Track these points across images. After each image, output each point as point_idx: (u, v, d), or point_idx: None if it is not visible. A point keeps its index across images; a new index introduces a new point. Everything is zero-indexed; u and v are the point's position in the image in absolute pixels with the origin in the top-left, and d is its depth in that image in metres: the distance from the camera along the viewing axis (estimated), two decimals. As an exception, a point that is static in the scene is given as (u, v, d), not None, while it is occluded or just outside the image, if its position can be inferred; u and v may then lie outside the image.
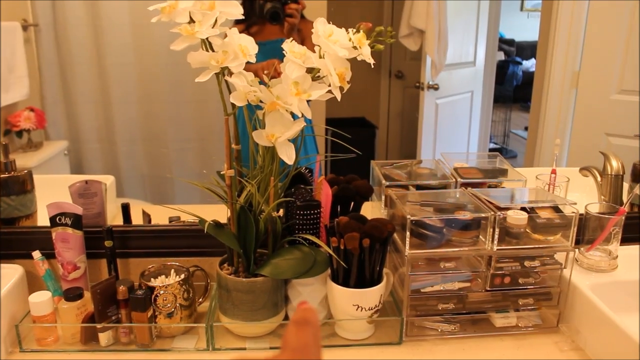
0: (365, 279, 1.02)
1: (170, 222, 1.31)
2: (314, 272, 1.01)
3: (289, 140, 0.97)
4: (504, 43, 5.72)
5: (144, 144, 2.78)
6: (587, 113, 2.52)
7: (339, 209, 1.22)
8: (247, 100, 0.97)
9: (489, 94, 3.70)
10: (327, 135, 1.92)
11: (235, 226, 1.05)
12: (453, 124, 3.50)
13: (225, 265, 1.08)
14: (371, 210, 1.32)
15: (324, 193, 1.06)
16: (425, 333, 1.06)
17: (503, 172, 1.28)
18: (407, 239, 1.01)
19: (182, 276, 1.10)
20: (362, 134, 3.57)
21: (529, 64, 5.69)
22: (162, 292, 1.04)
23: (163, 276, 1.11)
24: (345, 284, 1.02)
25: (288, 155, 0.95)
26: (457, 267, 1.04)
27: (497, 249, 1.03)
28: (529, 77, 5.67)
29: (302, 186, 1.09)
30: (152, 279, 1.09)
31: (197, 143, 2.41)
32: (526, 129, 4.87)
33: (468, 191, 1.13)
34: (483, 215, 1.02)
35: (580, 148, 2.36)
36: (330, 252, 1.00)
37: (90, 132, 2.73)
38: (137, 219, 1.32)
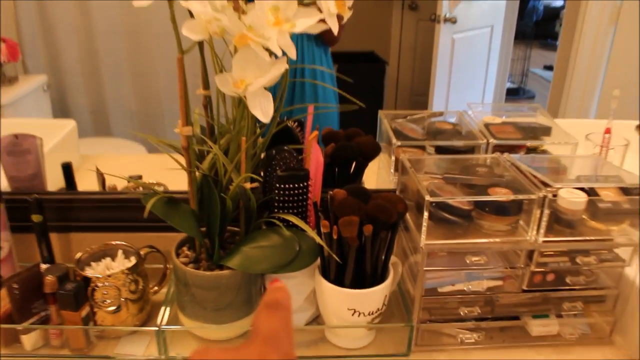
0: (365, 274, 0.75)
1: (129, 182, 1.04)
2: (297, 266, 0.74)
3: (265, 88, 0.68)
4: (526, -28, 5.21)
5: (132, 79, 2.47)
6: (625, 55, 2.16)
7: (336, 172, 0.94)
8: (210, 33, 0.68)
9: (510, 29, 3.31)
10: (333, 70, 1.61)
11: (195, 202, 0.77)
12: (470, 61, 3.14)
13: (185, 249, 0.81)
14: (377, 172, 1.03)
15: (314, 159, 0.77)
16: (441, 342, 0.80)
17: (545, 131, 0.98)
18: (424, 226, 0.73)
19: (130, 261, 0.83)
20: (371, 69, 3.23)
21: (550, -3, 5.19)
22: (100, 284, 0.78)
23: (109, 259, 0.85)
24: (339, 281, 0.75)
25: (263, 109, 0.66)
26: (487, 262, 0.77)
27: (544, 241, 0.75)
28: (550, 12, 5.19)
29: (285, 147, 0.80)
30: (92, 264, 0.83)
31: (191, 79, 2.11)
32: (546, 68, 4.48)
33: (505, 158, 0.84)
34: (528, 196, 0.73)
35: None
36: (320, 240, 0.72)
37: (73, 64, 2.42)
38: (92, 180, 1.05)
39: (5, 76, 2.13)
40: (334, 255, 0.72)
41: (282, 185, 0.74)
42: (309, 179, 0.75)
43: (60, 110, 2.43)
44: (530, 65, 4.33)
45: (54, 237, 0.89)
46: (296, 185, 0.74)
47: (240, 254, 0.75)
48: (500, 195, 0.75)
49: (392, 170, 0.92)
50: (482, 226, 0.76)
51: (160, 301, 0.85)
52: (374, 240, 0.73)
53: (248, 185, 0.75)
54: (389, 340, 0.82)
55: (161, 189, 1.02)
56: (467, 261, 0.76)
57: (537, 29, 4.60)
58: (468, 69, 3.13)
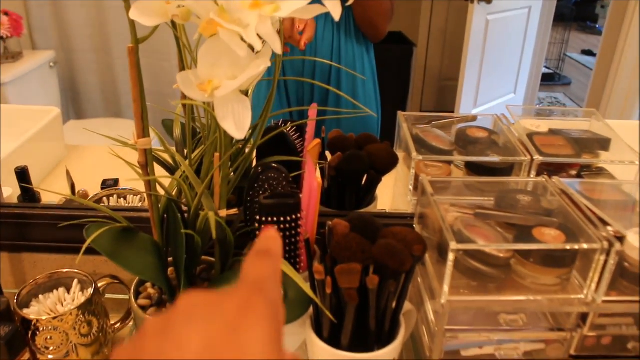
0: (368, 331, 0.58)
1: (103, 188, 0.88)
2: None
3: (241, 91, 0.51)
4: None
5: (144, 55, 2.32)
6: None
7: (343, 188, 0.76)
8: (170, 17, 0.51)
9: (550, 10, 3.03)
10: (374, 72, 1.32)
11: (158, 232, 0.60)
12: (504, 45, 2.88)
13: (148, 286, 0.64)
14: (394, 187, 0.85)
15: (307, 183, 0.59)
16: (463, 414, 0.63)
17: (603, 144, 0.78)
18: (447, 276, 0.55)
19: (85, 295, 0.67)
20: (397, 51, 2.99)
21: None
22: (42, 328, 0.62)
23: (62, 290, 0.69)
24: (334, 340, 0.58)
25: (236, 120, 0.48)
26: (525, 323, 0.59)
27: (605, 301, 0.56)
28: (591, -9, 4.82)
29: (274, 164, 0.62)
30: (40, 297, 0.67)
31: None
32: (584, 52, 4.17)
33: (554, 183, 0.65)
34: (589, 246, 0.54)
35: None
36: (309, 292, 0.55)
37: (83, 40, 2.26)
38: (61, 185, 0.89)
39: (8, 51, 1.99)
40: (328, 313, 0.55)
41: (265, 218, 0.57)
42: (300, 209, 0.57)
43: (70, 88, 2.28)
44: (567, 50, 4.03)
45: (4, 258, 0.74)
46: (282, 219, 0.57)
47: (211, 300, 0.58)
48: (550, 240, 0.56)
49: (410, 188, 0.74)
50: (523, 278, 0.57)
51: (124, 339, 0.69)
52: (380, 291, 0.55)
53: (224, 213, 0.58)
54: (397, 409, 0.64)
55: (137, 198, 0.86)
56: (501, 320, 0.58)
57: (577, 10, 4.27)
58: (502, 53, 2.88)
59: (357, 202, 0.78)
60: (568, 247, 0.54)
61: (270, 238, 0.28)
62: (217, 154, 0.55)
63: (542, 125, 0.81)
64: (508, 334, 0.59)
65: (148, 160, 0.57)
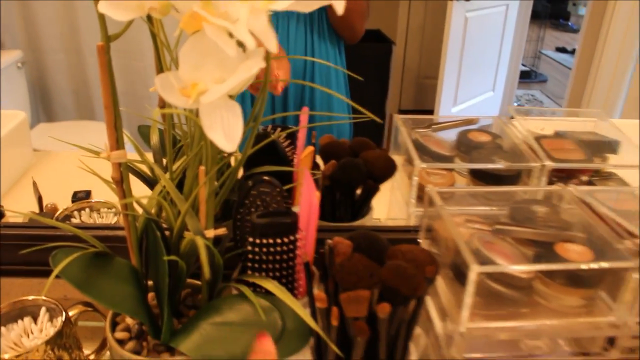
0: (376, 362, 0.51)
1: (74, 201, 0.79)
2: (281, 353, 0.50)
3: (230, 97, 0.44)
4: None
5: (116, 55, 2.21)
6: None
7: (337, 197, 0.70)
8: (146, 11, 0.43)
9: (527, 7, 3.01)
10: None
11: (135, 256, 0.52)
12: (483, 42, 2.84)
13: (126, 319, 0.56)
14: (390, 192, 0.79)
15: (306, 199, 0.52)
16: None
17: (612, 146, 0.72)
18: (467, 301, 0.48)
19: (54, 326, 0.59)
20: (376, 49, 2.93)
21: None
22: (2, 367, 0.54)
23: (28, 319, 0.61)
24: (340, 375, 0.51)
25: (226, 131, 0.41)
26: (548, 349, 0.53)
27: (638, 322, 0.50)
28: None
29: (265, 177, 0.54)
30: (1, 329, 0.59)
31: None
32: (558, 49, 4.18)
33: (573, 192, 0.59)
34: (623, 264, 0.48)
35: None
36: (311, 322, 0.48)
37: (53, 40, 2.14)
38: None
39: (-29, 51, 1.87)
40: (335, 348, 0.48)
41: (260, 240, 0.50)
42: (298, 229, 0.50)
43: (39, 90, 2.16)
44: (542, 47, 4.02)
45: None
46: (278, 241, 0.50)
47: (198, 332, 0.50)
48: (576, 257, 0.50)
49: (412, 199, 0.67)
50: (547, 300, 0.51)
51: (99, 373, 0.61)
52: (391, 319, 0.49)
53: (211, 234, 0.51)
54: None
55: (111, 212, 0.78)
56: (522, 346, 0.52)
57: (551, 8, 4.27)
58: (481, 50, 2.85)
59: (352, 214, 0.71)
60: (599, 265, 0.48)
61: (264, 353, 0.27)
62: (202, 168, 0.48)
63: (547, 127, 0.76)
64: (528, 360, 0.53)
65: (123, 176, 0.49)
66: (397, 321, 0.50)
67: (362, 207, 0.71)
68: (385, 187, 0.74)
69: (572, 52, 3.76)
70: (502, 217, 0.56)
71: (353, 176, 0.68)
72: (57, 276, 0.67)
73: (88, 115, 2.23)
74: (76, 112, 2.24)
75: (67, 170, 1.04)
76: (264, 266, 0.51)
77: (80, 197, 0.77)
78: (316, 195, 0.48)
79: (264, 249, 0.49)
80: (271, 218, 0.49)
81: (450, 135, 0.77)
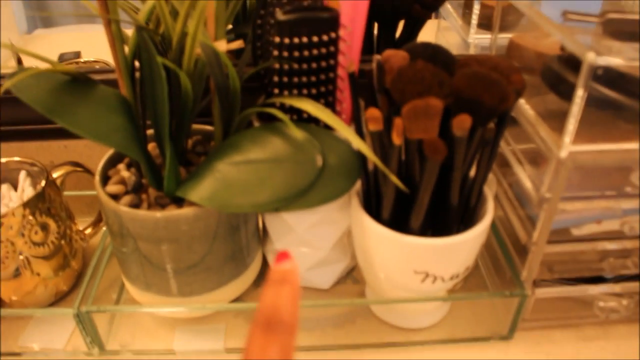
0: (447, 208, 0.39)
1: (61, 62, 0.66)
2: (319, 196, 0.37)
3: None
4: None
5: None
6: None
7: (374, 36, 0.56)
8: None
9: None
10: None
11: (125, 83, 0.39)
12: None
13: (121, 167, 0.44)
14: (435, 38, 0.64)
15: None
16: (566, 314, 0.46)
17: None
18: (574, 116, 0.35)
19: (34, 190, 0.47)
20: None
21: None
22: (-30, 233, 0.42)
23: (6, 186, 0.49)
24: (399, 222, 0.39)
25: None
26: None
27: None
28: None
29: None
30: (-30, 195, 0.47)
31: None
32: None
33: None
34: None
35: None
36: (363, 147, 0.35)
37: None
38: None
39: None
40: (396, 180, 0.35)
41: (287, 40, 0.36)
42: (340, 25, 0.36)
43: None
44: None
45: None
46: (314, 40, 0.36)
47: (212, 176, 0.38)
48: None
49: (471, 29, 0.53)
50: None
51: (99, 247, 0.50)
52: (467, 145, 0.36)
53: (224, 47, 0.37)
54: (474, 315, 0.47)
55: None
56: (633, 180, 0.39)
57: None
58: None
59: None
60: None
61: (284, 272, 0.24)
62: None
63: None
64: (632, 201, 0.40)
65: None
66: (473, 147, 0.37)
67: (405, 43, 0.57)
68: (429, 29, 0.60)
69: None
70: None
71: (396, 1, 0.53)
72: (41, 136, 0.54)
73: None
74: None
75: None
76: (296, 81, 0.38)
77: (68, 57, 0.63)
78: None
79: (295, 53, 0.36)
80: (301, 13, 0.36)
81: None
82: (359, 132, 0.38)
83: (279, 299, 0.24)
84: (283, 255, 0.26)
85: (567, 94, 0.37)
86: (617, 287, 0.44)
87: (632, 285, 0.44)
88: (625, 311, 0.46)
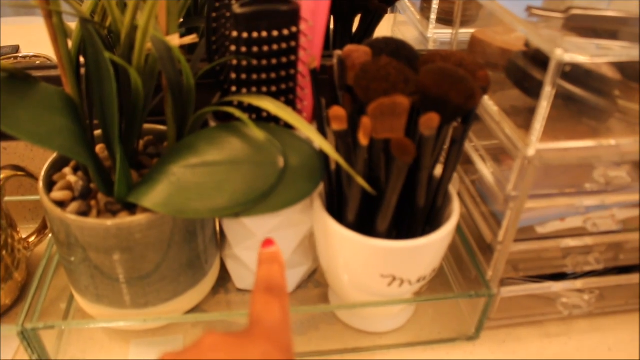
0: (414, 209, 0.37)
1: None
2: (281, 200, 0.35)
3: None
4: None
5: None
6: None
7: (331, 30, 0.54)
8: None
9: None
10: None
11: (70, 81, 0.36)
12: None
13: (67, 172, 0.40)
14: (392, 32, 0.62)
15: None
16: (529, 312, 0.45)
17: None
18: (542, 113, 0.34)
19: (-30, 196, 0.43)
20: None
21: None
22: None
23: (-64, 192, 0.44)
24: (364, 225, 0.37)
25: None
26: (631, 178, 0.40)
27: None
28: None
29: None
30: None
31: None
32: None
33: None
34: None
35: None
36: (327, 147, 0.33)
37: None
38: None
39: None
40: (363, 182, 0.33)
41: (245, 35, 0.33)
42: (300, 19, 0.34)
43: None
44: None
45: None
46: (273, 35, 0.33)
47: (167, 180, 0.35)
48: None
49: (430, 24, 0.52)
50: (629, 114, 0.38)
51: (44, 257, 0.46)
52: (434, 144, 0.34)
53: (177, 41, 0.34)
54: (439, 315, 0.45)
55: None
56: (598, 177, 0.39)
57: None
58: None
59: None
60: None
61: (272, 259, 0.28)
62: None
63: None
64: (602, 197, 0.39)
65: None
66: (440, 145, 0.35)
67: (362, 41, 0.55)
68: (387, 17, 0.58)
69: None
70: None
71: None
72: None
73: None
74: None
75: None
76: (254, 77, 0.35)
77: (5, 52, 0.58)
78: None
79: (254, 48, 0.33)
80: (260, 5, 0.33)
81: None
82: (321, 131, 0.36)
83: (272, 272, 0.27)
84: (268, 242, 0.30)
85: (532, 90, 0.36)
86: (578, 283, 0.44)
87: (594, 281, 0.44)
88: (587, 306, 0.45)
